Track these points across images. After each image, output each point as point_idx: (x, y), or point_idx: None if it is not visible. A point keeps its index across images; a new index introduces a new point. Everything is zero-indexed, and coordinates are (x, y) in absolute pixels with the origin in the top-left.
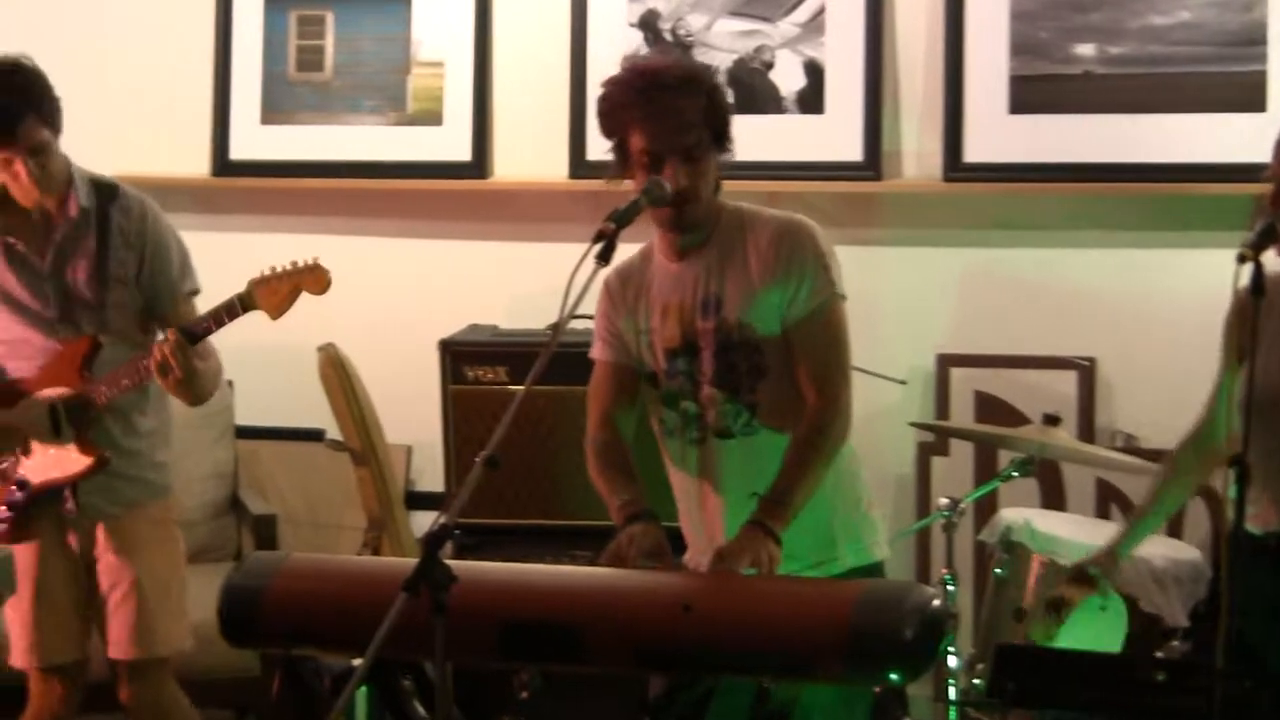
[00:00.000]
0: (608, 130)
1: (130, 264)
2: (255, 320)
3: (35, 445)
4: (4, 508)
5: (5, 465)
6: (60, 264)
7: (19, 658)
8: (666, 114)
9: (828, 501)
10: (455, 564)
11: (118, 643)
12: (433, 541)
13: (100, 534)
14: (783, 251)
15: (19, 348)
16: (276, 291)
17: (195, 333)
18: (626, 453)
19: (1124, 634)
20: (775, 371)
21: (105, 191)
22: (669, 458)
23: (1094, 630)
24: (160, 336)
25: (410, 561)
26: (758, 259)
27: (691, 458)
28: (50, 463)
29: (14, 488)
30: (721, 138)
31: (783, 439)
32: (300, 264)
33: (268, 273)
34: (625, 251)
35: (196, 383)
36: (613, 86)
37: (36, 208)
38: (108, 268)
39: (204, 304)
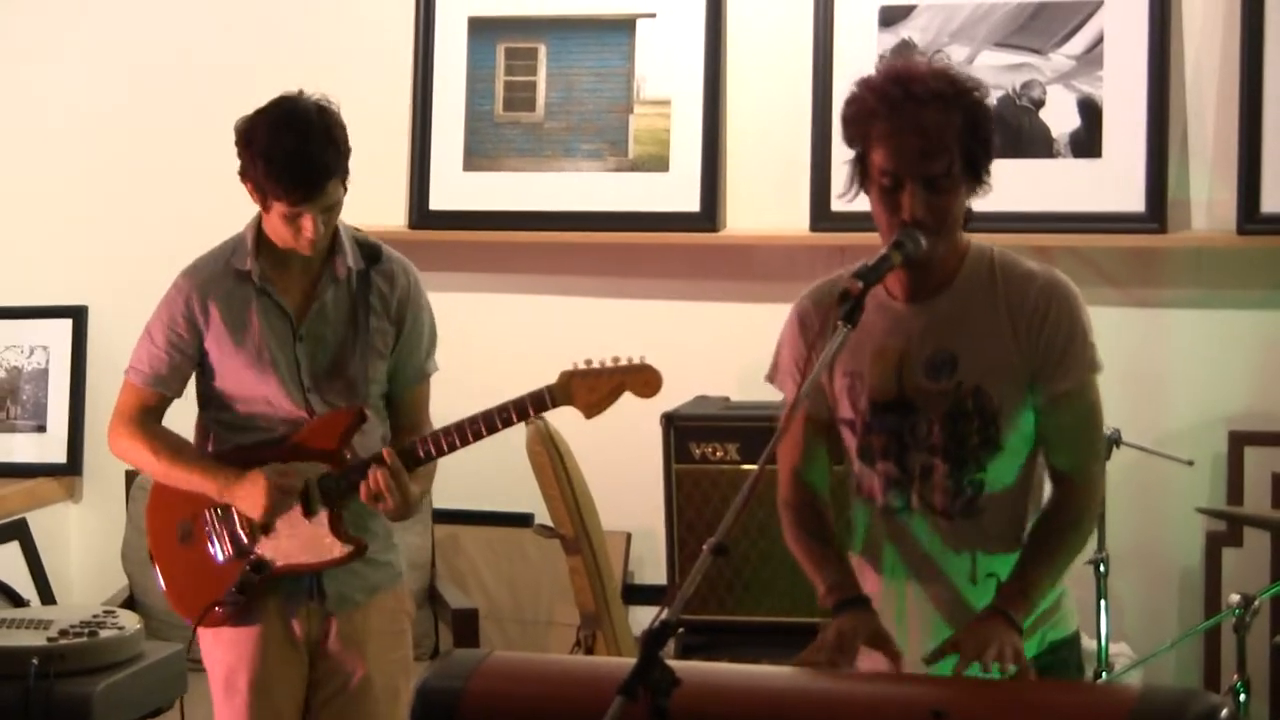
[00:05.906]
0: (849, 138)
1: (389, 338)
2: (451, 392)
3: (279, 522)
4: (234, 589)
5: (245, 541)
6: (318, 328)
7: None
8: (912, 132)
9: None
10: (679, 665)
11: None
12: (653, 639)
13: (334, 623)
14: (1049, 316)
15: (257, 409)
16: (595, 389)
17: (417, 454)
18: (825, 516)
19: None
20: (1009, 449)
21: (369, 252)
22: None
23: None
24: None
25: (628, 662)
26: (1013, 319)
27: (868, 522)
28: (298, 545)
29: (248, 567)
30: (976, 167)
31: (1001, 530)
32: (625, 361)
33: (585, 365)
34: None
35: (407, 509)
36: (861, 89)
37: (302, 259)
38: (369, 340)
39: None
